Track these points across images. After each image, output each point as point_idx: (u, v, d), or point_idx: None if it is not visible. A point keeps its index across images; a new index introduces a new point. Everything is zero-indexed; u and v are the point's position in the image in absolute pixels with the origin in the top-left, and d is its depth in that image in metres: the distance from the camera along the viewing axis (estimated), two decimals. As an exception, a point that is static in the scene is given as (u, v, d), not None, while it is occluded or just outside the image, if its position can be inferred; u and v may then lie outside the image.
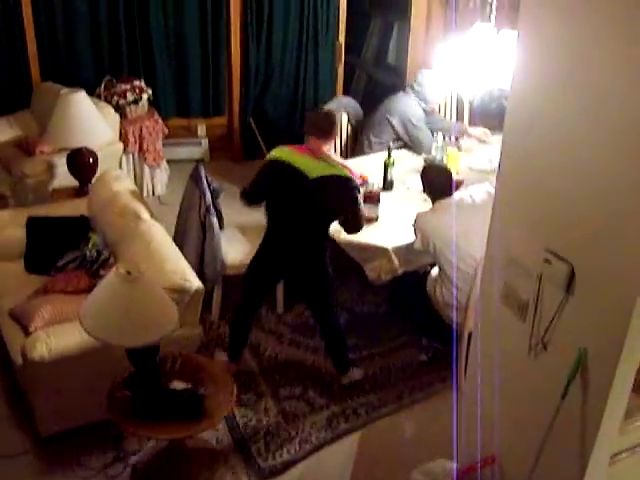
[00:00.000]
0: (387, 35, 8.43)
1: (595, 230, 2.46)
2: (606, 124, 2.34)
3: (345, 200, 4.15)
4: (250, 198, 4.37)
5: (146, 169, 6.58)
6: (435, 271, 4.61)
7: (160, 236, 4.42)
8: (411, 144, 5.96)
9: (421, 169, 4.66)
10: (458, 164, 5.49)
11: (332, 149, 4.38)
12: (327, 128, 4.19)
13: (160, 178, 6.74)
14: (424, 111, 5.97)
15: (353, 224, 4.22)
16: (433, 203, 4.47)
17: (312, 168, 4.10)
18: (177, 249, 4.34)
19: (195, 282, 4.05)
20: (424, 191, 4.59)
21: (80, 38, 6.62)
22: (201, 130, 7.43)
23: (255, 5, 6.91)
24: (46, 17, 6.48)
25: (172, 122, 7.06)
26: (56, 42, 6.60)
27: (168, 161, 6.99)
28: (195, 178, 4.76)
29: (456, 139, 5.99)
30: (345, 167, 4.19)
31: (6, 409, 4.30)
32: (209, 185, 4.73)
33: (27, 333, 4.00)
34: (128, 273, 3.35)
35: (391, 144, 5.68)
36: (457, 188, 4.56)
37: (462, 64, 5.10)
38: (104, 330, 3.37)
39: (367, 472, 4.04)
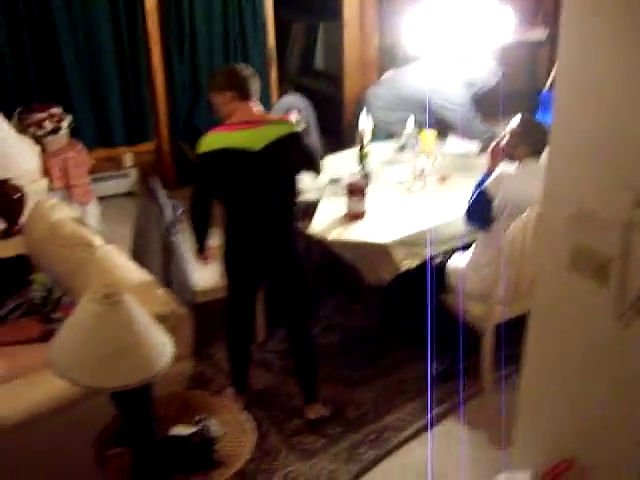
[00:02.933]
0: (311, 39, 7.91)
1: None
2: None
3: (300, 157, 3.73)
4: (195, 206, 3.70)
5: (76, 207, 5.80)
6: (459, 258, 4.11)
7: (122, 261, 3.73)
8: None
9: (519, 118, 3.96)
10: (433, 146, 4.92)
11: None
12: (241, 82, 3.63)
13: (92, 215, 5.96)
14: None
15: (315, 167, 3.88)
16: (515, 159, 3.91)
17: (253, 139, 3.52)
18: (147, 273, 3.64)
19: (178, 307, 3.37)
20: (510, 145, 3.94)
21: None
22: (128, 160, 6.69)
23: (174, 13, 6.24)
24: None
25: (94, 154, 6.25)
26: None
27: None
28: (150, 192, 4.09)
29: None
30: (285, 119, 3.92)
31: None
32: (167, 199, 4.06)
33: (-21, 397, 3.25)
34: (106, 297, 2.65)
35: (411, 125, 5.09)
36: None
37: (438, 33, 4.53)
38: (82, 372, 2.64)
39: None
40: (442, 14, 4.55)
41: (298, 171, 3.71)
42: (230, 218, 3.70)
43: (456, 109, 5.19)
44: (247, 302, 3.92)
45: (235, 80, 3.60)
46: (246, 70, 3.67)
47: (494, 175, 3.87)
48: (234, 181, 3.58)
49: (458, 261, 4.09)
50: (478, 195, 3.88)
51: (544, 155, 3.81)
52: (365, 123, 4.86)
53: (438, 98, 5.17)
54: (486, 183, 3.87)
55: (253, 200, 3.61)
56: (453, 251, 4.20)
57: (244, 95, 3.59)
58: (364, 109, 5.40)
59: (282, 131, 3.58)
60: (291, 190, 3.70)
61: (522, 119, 3.91)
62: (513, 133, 3.91)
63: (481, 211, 3.87)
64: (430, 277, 4.04)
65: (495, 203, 3.78)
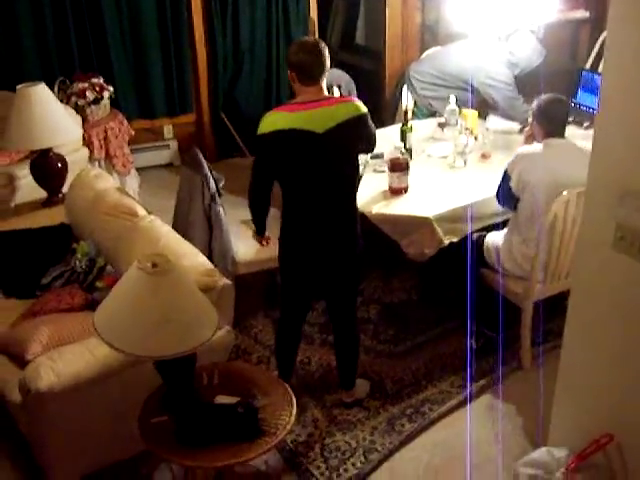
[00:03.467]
0: (353, 13, 7.87)
1: None
2: None
3: (364, 139, 3.49)
4: (254, 188, 3.51)
5: (115, 177, 5.84)
6: (496, 236, 4.09)
7: (166, 231, 3.76)
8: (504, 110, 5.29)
9: (536, 100, 3.94)
10: (476, 125, 4.91)
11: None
12: (311, 64, 3.29)
13: (131, 186, 6.01)
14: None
15: (373, 148, 3.67)
16: (539, 139, 3.90)
17: (315, 121, 3.27)
18: (190, 243, 3.66)
19: (222, 278, 3.39)
20: (532, 125, 3.98)
21: (23, 38, 5.86)
22: (168, 131, 6.73)
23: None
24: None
25: (134, 125, 6.30)
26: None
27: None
28: (193, 163, 4.10)
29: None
30: (351, 100, 3.47)
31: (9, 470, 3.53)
32: (210, 170, 4.07)
33: (24, 363, 3.28)
34: (154, 266, 2.67)
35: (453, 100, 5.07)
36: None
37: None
38: (128, 340, 2.68)
39: (449, 473, 3.45)
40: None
41: (359, 152, 3.52)
42: (289, 200, 3.48)
43: (500, 87, 5.17)
44: (303, 295, 3.73)
45: (298, 61, 3.30)
46: (313, 51, 3.29)
47: (513, 155, 3.88)
48: (294, 163, 3.38)
49: (495, 238, 4.08)
50: (503, 175, 3.89)
51: (573, 133, 3.84)
52: (407, 99, 4.85)
53: (482, 76, 5.16)
54: (507, 163, 3.87)
55: (314, 183, 3.40)
56: (493, 227, 4.18)
57: (305, 78, 3.31)
58: (405, 85, 5.40)
59: (349, 113, 3.32)
60: (353, 170, 3.49)
61: (538, 98, 3.92)
62: (532, 113, 3.92)
63: (504, 190, 3.90)
64: (470, 252, 4.05)
65: (512, 182, 3.80)
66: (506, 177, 3.86)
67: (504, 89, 5.19)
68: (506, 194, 3.89)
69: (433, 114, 5.46)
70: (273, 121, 3.33)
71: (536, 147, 3.86)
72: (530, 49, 5.26)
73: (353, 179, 3.51)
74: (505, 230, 4.06)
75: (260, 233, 3.76)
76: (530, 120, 4.02)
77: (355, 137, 3.41)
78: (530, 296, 3.88)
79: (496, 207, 4.11)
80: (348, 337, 3.78)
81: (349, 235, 3.51)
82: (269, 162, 3.42)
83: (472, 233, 4.14)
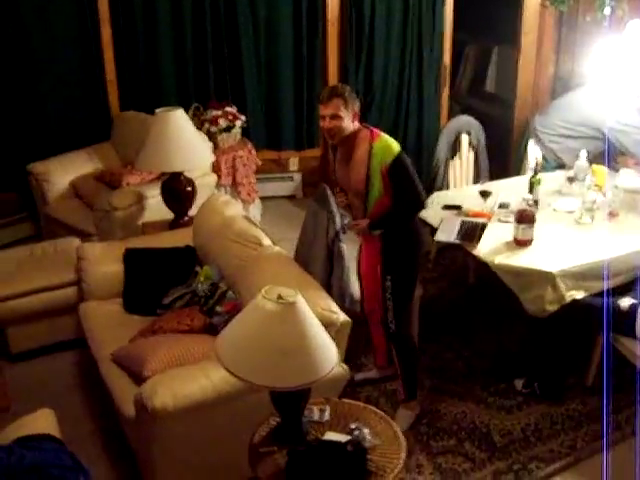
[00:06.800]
0: (484, 62, 7.86)
1: None
2: None
3: None
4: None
5: (239, 204, 5.96)
6: None
7: (289, 263, 3.81)
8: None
9: None
10: (605, 182, 4.81)
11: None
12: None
13: (253, 215, 6.11)
14: None
15: None
16: None
17: None
18: (311, 277, 3.70)
19: (341, 314, 3.42)
20: None
21: (163, 63, 6.12)
22: (293, 164, 6.84)
23: (355, 26, 6.33)
24: (127, 41, 6.00)
25: (261, 155, 6.44)
26: (137, 68, 6.08)
27: (257, 197, 6.40)
28: (322, 199, 4.13)
29: None
30: None
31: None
32: (337, 207, 4.11)
33: (141, 380, 3.37)
34: (279, 297, 2.71)
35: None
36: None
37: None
38: (248, 368, 2.72)
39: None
40: (625, 50, 4.47)
41: None
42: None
43: (629, 132, 5.06)
44: None
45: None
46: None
47: None
48: None
49: None
50: None
51: None
52: (535, 151, 4.81)
53: (613, 122, 5.05)
54: None
55: None
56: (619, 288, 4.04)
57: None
58: (532, 138, 5.35)
59: None
60: None
61: None
62: None
63: None
64: (602, 315, 3.91)
65: None
66: None
67: (634, 133, 5.09)
68: None
69: (561, 166, 5.38)
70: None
71: None
72: None
73: None
74: None
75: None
76: None
77: None
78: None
79: (624, 266, 4.04)
80: None
81: None
82: None
83: (601, 293, 4.00)
